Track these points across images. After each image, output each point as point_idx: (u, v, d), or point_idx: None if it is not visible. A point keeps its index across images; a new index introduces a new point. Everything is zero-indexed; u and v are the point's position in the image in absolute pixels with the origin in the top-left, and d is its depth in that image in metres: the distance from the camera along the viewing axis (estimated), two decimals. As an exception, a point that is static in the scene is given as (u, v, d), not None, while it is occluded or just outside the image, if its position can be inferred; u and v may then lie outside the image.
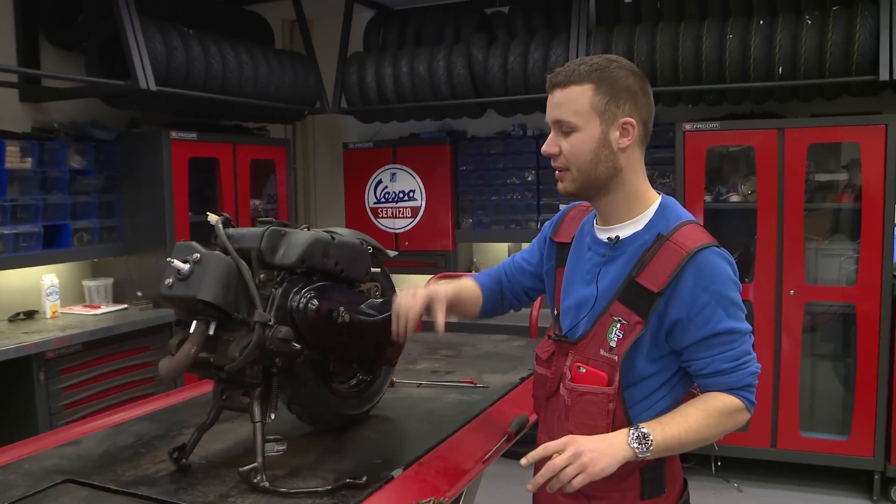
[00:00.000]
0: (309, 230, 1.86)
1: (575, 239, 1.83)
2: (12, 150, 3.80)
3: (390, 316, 1.95)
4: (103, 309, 4.25)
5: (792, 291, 4.27)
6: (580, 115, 1.63)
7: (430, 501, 1.70)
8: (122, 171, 4.39)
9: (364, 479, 1.63)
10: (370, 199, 5.71)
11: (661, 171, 4.89)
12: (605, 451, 1.53)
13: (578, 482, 1.51)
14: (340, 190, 5.87)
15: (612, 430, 1.61)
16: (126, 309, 4.30)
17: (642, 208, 1.70)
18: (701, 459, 4.57)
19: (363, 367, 2.05)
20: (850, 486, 4.37)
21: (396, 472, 1.77)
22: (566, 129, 1.65)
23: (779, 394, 4.33)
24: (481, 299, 2.06)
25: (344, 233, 2.01)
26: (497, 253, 5.74)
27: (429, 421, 2.19)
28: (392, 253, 2.27)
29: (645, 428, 1.56)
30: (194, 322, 1.67)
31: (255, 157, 5.00)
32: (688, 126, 4.44)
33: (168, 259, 1.65)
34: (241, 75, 4.48)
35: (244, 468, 1.61)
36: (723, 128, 4.40)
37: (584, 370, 1.68)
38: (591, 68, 1.63)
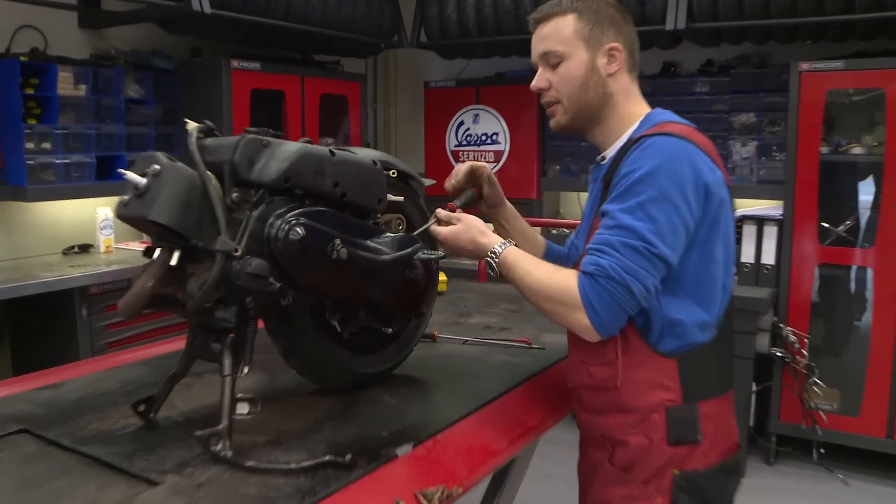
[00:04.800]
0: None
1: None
2: (65, 76, 3.61)
3: (409, 254, 1.58)
4: (159, 246, 4.06)
5: (922, 259, 3.67)
6: (566, 43, 1.62)
7: (438, 491, 1.35)
8: (182, 101, 4.16)
9: (348, 457, 1.29)
10: (451, 142, 5.32)
11: (771, 119, 4.29)
12: (467, 251, 1.66)
13: None
14: (422, 131, 5.50)
15: (621, 340, 1.56)
16: (183, 247, 4.09)
17: (631, 125, 1.65)
18: (801, 444, 4.05)
19: (376, 317, 1.67)
20: (980, 488, 3.77)
21: (402, 450, 1.42)
22: (554, 61, 1.64)
23: (899, 376, 3.76)
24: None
25: (362, 153, 1.64)
26: (584, 203, 5.28)
27: (463, 386, 1.83)
28: (428, 181, 1.90)
29: (497, 256, 1.61)
30: (156, 250, 1.36)
31: (325, 91, 4.68)
32: (804, 66, 3.83)
33: (121, 171, 1.33)
34: (308, 1, 4.14)
35: (202, 432, 1.29)
36: (847, 67, 3.77)
37: None
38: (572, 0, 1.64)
